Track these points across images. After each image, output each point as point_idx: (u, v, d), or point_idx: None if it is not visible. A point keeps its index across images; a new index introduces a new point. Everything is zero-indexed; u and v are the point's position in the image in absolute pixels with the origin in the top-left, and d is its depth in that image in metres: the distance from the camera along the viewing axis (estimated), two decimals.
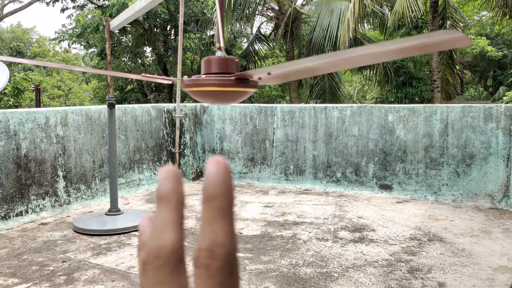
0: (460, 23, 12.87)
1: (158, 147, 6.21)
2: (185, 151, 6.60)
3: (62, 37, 16.44)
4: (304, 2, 15.95)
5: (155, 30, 14.42)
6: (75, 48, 29.61)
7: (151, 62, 15.64)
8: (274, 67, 0.73)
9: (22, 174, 4.50)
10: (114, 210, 4.41)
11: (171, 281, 0.28)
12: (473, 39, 14.41)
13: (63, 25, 17.22)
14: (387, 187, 5.60)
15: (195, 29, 14.02)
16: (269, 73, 0.75)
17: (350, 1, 10.34)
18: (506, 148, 4.98)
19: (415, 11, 9.63)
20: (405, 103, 11.82)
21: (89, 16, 14.63)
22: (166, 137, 6.34)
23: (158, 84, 15.45)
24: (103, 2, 15.27)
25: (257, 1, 12.81)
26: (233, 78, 0.82)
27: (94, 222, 4.26)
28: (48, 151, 4.75)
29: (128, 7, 4.51)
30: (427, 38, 0.53)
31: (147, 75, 1.02)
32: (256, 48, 14.42)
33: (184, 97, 12.77)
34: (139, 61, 15.45)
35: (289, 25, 12.56)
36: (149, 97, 15.33)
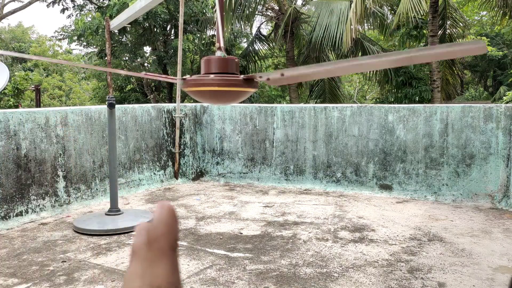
0: (460, 23, 12.87)
1: (158, 147, 6.21)
2: (185, 151, 6.60)
3: (62, 35, 16.46)
4: (304, 2, 15.95)
5: (155, 30, 14.41)
6: (75, 49, 29.62)
7: (151, 62, 15.64)
8: (287, 70, 0.74)
9: (22, 174, 4.50)
10: (114, 210, 4.41)
11: None
12: (473, 39, 14.42)
13: (63, 27, 17.20)
14: (387, 187, 5.60)
15: (195, 29, 14.02)
16: (282, 74, 0.75)
17: (352, 2, 10.34)
18: (506, 148, 4.98)
19: (419, 11, 9.63)
20: (405, 103, 11.82)
21: (88, 19, 14.62)
22: (166, 137, 6.34)
23: (158, 84, 15.46)
24: (103, 2, 15.27)
25: (257, 1, 12.81)
26: (240, 78, 0.82)
27: (94, 222, 4.26)
28: (48, 151, 4.74)
29: (128, 7, 4.51)
30: (446, 48, 0.54)
31: (149, 73, 1.02)
32: (256, 48, 14.43)
33: (184, 97, 12.77)
34: (139, 61, 15.45)
35: (289, 25, 12.56)
36: (149, 97, 15.34)
